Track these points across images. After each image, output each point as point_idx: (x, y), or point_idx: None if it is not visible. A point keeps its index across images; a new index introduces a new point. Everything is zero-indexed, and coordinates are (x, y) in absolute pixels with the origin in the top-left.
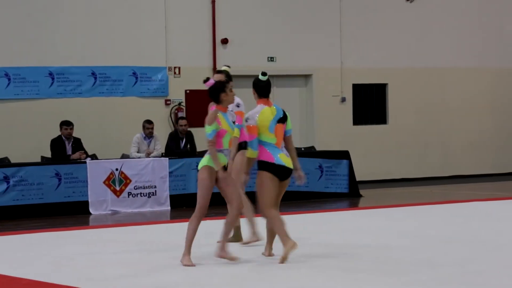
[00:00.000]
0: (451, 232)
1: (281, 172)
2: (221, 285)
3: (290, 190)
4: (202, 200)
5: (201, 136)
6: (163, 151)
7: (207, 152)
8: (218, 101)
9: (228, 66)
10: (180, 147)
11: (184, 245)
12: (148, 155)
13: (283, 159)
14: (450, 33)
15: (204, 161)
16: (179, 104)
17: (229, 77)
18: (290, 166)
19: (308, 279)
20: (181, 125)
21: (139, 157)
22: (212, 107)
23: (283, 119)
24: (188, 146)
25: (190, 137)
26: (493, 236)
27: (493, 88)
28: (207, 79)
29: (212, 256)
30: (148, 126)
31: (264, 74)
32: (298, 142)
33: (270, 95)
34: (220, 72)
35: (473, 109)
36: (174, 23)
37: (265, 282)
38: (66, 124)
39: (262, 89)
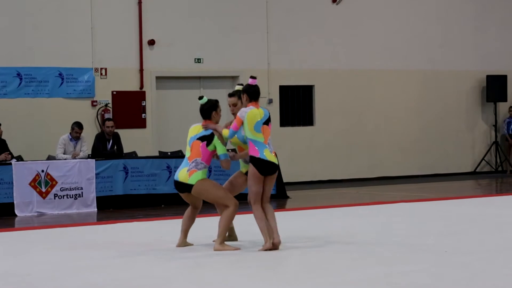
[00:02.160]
0: (376, 232)
1: (264, 167)
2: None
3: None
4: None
5: (128, 137)
6: (90, 153)
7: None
8: (209, 117)
9: (241, 85)
10: (107, 149)
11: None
12: (74, 157)
13: (267, 155)
14: (376, 36)
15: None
16: (106, 105)
17: (241, 95)
18: (274, 161)
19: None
20: (108, 127)
21: (65, 159)
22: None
23: (268, 121)
24: (115, 147)
25: (117, 139)
26: (418, 237)
27: (419, 91)
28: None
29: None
30: (76, 130)
31: (253, 77)
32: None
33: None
34: (233, 95)
35: (399, 111)
36: (100, 24)
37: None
38: None
39: (253, 94)
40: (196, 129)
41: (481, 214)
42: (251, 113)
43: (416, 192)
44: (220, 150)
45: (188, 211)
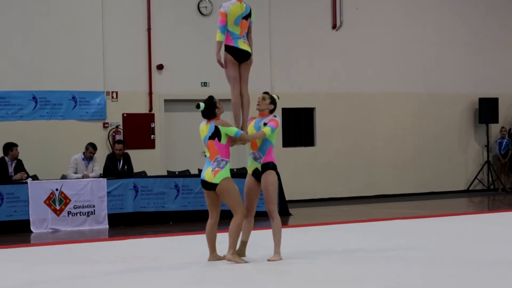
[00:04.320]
0: (374, 248)
1: (238, 54)
2: None
3: (223, 209)
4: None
5: (138, 157)
6: (101, 172)
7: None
8: (214, 115)
9: (278, 97)
10: (118, 169)
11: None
12: (85, 177)
13: (241, 44)
14: (373, 60)
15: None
16: (117, 127)
17: (274, 102)
18: (247, 49)
19: None
20: (117, 149)
21: (76, 178)
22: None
23: (247, 16)
24: (126, 167)
25: (127, 159)
26: (413, 251)
27: (414, 112)
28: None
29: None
30: (91, 150)
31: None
32: (231, 164)
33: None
34: (267, 93)
35: (395, 132)
36: (111, 50)
37: None
38: (14, 146)
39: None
40: (205, 128)
41: (474, 230)
42: (234, 7)
43: (411, 209)
44: (232, 131)
45: (208, 226)
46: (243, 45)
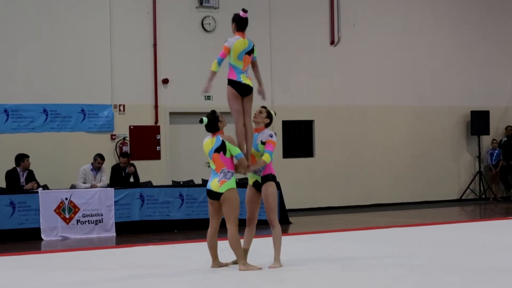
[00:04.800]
0: (371, 255)
1: (241, 88)
2: None
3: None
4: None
5: (144, 168)
6: (108, 182)
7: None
8: (217, 128)
9: (274, 113)
10: (122, 176)
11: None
12: (93, 187)
13: (243, 79)
14: (370, 75)
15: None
16: (124, 138)
17: (270, 116)
18: (249, 84)
19: None
20: (122, 163)
21: (85, 188)
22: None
23: (250, 52)
24: (131, 178)
25: (133, 170)
26: (409, 258)
27: (410, 124)
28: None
29: None
30: (99, 161)
31: (244, 10)
32: None
33: None
34: (265, 108)
35: (392, 143)
36: (119, 64)
37: None
38: (25, 157)
39: (241, 24)
40: (209, 142)
41: (466, 238)
42: (238, 42)
43: (407, 218)
44: (234, 151)
45: (208, 234)
46: (246, 79)
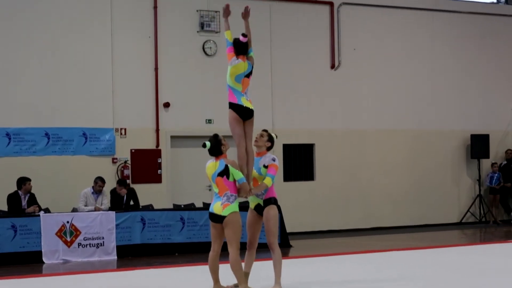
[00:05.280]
0: (371, 278)
1: (242, 112)
2: None
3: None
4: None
5: (145, 191)
6: (109, 205)
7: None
8: (220, 152)
9: (276, 136)
10: (123, 202)
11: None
12: (97, 209)
13: (244, 101)
14: (370, 98)
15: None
16: (125, 162)
17: (271, 139)
18: (250, 106)
19: None
20: (118, 190)
21: (87, 211)
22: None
23: (249, 74)
24: (131, 201)
25: (132, 194)
26: (409, 281)
27: (408, 148)
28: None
29: None
30: (100, 184)
31: (244, 35)
32: None
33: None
34: (266, 131)
35: (391, 167)
36: (120, 88)
37: None
38: (27, 180)
39: (240, 48)
40: (212, 166)
41: (467, 261)
42: (239, 65)
43: (406, 241)
44: (237, 176)
45: (210, 257)
46: (246, 102)
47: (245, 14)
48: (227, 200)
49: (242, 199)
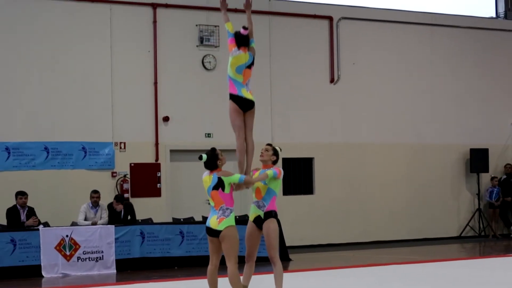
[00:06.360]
0: None
1: (242, 103)
2: None
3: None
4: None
5: (144, 205)
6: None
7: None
8: (216, 166)
9: (280, 149)
10: (120, 217)
11: None
12: (94, 224)
13: (244, 93)
14: (369, 112)
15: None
16: (125, 176)
17: (276, 153)
18: (251, 98)
19: None
20: (114, 205)
21: (86, 225)
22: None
23: (250, 65)
24: (128, 216)
25: (130, 208)
26: None
27: (408, 162)
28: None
29: None
30: (93, 195)
31: (245, 28)
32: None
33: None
34: (270, 145)
35: (391, 180)
36: (120, 103)
37: None
38: (21, 194)
39: (240, 40)
40: (207, 179)
41: (466, 275)
42: (240, 56)
43: (406, 255)
44: (235, 179)
45: (208, 271)
46: (247, 94)
47: (247, 5)
48: (222, 214)
49: (239, 214)
